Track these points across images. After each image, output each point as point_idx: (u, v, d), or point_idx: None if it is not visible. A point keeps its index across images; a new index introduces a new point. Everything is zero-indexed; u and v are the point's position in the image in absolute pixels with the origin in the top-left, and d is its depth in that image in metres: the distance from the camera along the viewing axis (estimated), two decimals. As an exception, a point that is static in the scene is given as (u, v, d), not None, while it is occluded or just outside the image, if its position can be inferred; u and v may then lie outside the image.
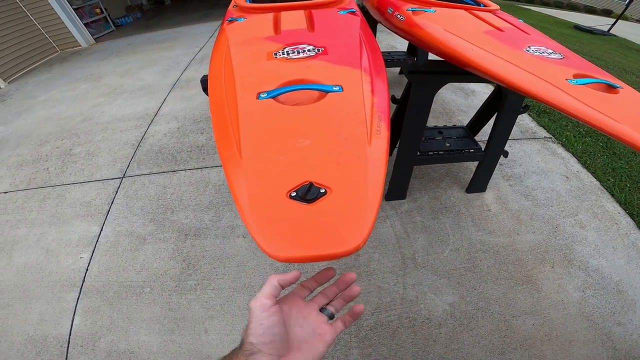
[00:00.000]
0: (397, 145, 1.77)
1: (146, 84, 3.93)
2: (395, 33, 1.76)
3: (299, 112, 0.73)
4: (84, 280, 1.73)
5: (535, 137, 2.67)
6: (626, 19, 12.60)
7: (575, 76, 0.92)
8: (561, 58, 1.03)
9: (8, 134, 3.18)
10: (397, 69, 3.63)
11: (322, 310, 0.53)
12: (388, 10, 1.71)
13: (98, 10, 6.51)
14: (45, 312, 1.61)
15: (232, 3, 1.59)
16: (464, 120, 2.79)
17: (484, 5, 1.62)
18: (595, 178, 2.25)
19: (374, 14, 2.17)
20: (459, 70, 1.22)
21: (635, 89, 0.91)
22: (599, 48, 6.53)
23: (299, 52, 0.97)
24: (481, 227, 1.88)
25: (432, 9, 1.47)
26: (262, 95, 0.78)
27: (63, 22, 5.58)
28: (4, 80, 4.61)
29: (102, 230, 1.99)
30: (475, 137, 2.06)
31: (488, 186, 2.11)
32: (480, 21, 1.34)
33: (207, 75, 1.12)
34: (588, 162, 2.38)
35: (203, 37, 5.59)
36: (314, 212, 0.50)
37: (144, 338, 1.48)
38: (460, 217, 1.94)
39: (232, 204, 2.06)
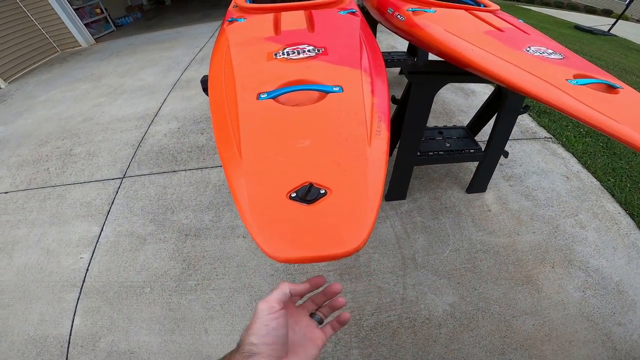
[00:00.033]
0: (397, 146, 1.76)
1: (146, 84, 3.93)
2: (396, 33, 1.76)
3: (299, 112, 0.73)
4: (84, 281, 1.73)
5: (535, 137, 2.67)
6: (626, 19, 12.59)
7: (576, 76, 0.92)
8: (561, 58, 1.03)
9: (8, 134, 3.18)
10: (398, 69, 3.63)
11: (311, 315, 0.54)
12: (388, 11, 1.71)
13: (98, 11, 6.51)
14: (46, 312, 1.61)
15: (232, 3, 1.59)
16: (464, 120, 2.79)
17: (484, 6, 1.62)
18: (596, 178, 2.24)
19: (374, 14, 2.17)
20: (459, 71, 1.22)
21: (635, 89, 0.91)
22: (599, 48, 6.52)
23: (299, 53, 0.97)
24: (481, 228, 1.88)
25: (432, 9, 1.47)
26: (262, 96, 0.78)
27: (63, 22, 5.59)
28: (4, 80, 4.61)
29: (102, 230, 1.99)
30: (476, 138, 2.05)
31: (488, 186, 2.11)
32: (481, 21, 1.34)
33: (207, 75, 1.12)
34: (588, 162, 2.38)
35: (203, 37, 5.59)
36: (314, 212, 0.50)
37: (144, 338, 1.48)
38: (460, 217, 1.94)
39: (232, 204, 2.06)
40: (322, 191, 0.53)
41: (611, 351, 1.39)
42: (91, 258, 1.84)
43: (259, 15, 1.38)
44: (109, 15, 6.83)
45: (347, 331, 1.46)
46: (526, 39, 1.19)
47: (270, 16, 1.31)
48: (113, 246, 1.89)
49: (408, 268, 1.68)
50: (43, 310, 1.62)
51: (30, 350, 1.48)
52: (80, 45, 5.97)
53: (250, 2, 1.57)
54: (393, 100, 1.77)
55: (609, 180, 2.22)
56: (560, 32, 7.64)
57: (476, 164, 2.03)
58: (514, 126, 1.81)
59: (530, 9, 12.75)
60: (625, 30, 9.58)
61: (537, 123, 2.85)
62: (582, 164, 2.38)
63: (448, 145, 1.94)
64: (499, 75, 0.96)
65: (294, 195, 0.53)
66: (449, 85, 3.26)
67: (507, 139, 1.84)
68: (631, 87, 0.91)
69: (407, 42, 2.92)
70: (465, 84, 3.35)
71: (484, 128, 2.10)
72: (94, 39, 6.23)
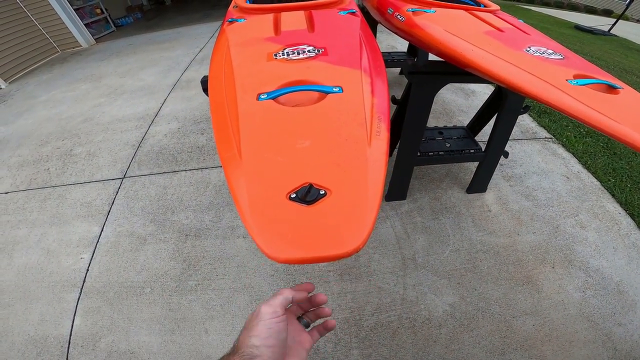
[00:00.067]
0: (398, 146, 1.76)
1: (146, 84, 3.93)
2: (396, 34, 1.76)
3: (299, 113, 0.73)
4: (84, 281, 1.73)
5: (535, 137, 2.67)
6: (627, 19, 12.58)
7: (576, 77, 0.92)
8: (561, 58, 1.03)
9: (9, 134, 3.19)
10: (398, 70, 3.63)
11: (299, 319, 0.55)
12: (388, 11, 1.71)
13: (98, 11, 6.52)
14: (46, 312, 1.61)
15: (232, 4, 1.59)
16: (465, 120, 2.79)
17: (484, 6, 1.62)
18: (596, 178, 2.24)
19: (374, 14, 2.17)
20: (459, 71, 1.22)
21: (635, 89, 0.91)
22: (599, 48, 6.52)
23: (299, 53, 0.97)
24: (481, 228, 1.88)
25: (432, 9, 1.47)
26: (262, 96, 0.78)
27: (64, 23, 5.59)
28: (5, 80, 4.62)
29: (102, 230, 1.99)
30: (476, 138, 2.05)
31: (488, 187, 2.11)
32: (481, 22, 1.34)
33: (207, 75, 1.12)
34: (589, 162, 2.38)
35: (203, 37, 5.59)
36: (313, 213, 0.50)
37: (144, 338, 1.48)
38: (460, 217, 1.94)
39: (233, 205, 2.06)
40: (322, 192, 0.53)
41: (611, 351, 1.39)
42: (91, 258, 1.84)
43: (258, 15, 1.38)
44: (109, 15, 6.83)
45: (347, 331, 1.46)
46: (526, 39, 1.19)
47: (270, 16, 1.31)
48: (113, 246, 1.89)
49: (408, 268, 1.68)
50: (43, 310, 1.62)
51: (31, 350, 1.48)
52: (81, 46, 5.98)
53: (250, 3, 1.57)
54: (393, 100, 1.77)
55: (610, 180, 2.22)
56: (561, 32, 7.64)
57: (476, 164, 2.03)
58: (514, 126, 1.81)
59: (530, 9, 12.74)
60: (625, 30, 9.58)
61: (538, 123, 2.85)
62: (582, 164, 2.38)
63: (448, 145, 1.94)
64: (499, 76, 0.96)
65: (293, 196, 0.53)
66: (449, 86, 3.26)
67: (507, 139, 1.84)
68: (631, 87, 0.91)
69: (407, 42, 2.92)
70: (466, 84, 3.35)
71: (484, 128, 2.10)
72: (94, 39, 6.24)
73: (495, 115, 1.80)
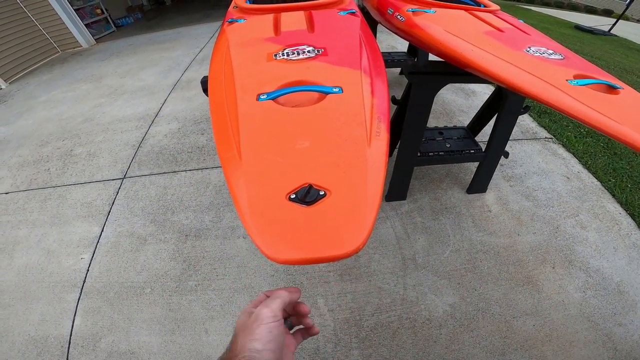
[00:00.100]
0: (398, 146, 1.76)
1: (147, 84, 3.93)
2: (396, 34, 1.76)
3: (299, 113, 0.73)
4: (84, 281, 1.73)
5: (536, 137, 2.66)
6: (627, 19, 12.57)
7: (576, 77, 0.92)
8: (561, 59, 1.03)
9: (9, 134, 3.19)
10: (398, 70, 3.63)
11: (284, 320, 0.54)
12: (388, 11, 1.71)
13: (99, 11, 6.52)
14: (46, 312, 1.62)
15: (232, 4, 1.59)
16: (465, 120, 2.78)
17: (484, 6, 1.62)
18: (596, 178, 2.24)
19: (374, 14, 2.17)
20: (459, 71, 1.22)
21: (636, 89, 0.91)
22: (599, 48, 6.52)
23: (298, 54, 0.97)
24: (482, 228, 1.88)
25: (432, 9, 1.47)
26: (262, 97, 0.78)
27: (64, 23, 5.60)
28: (5, 80, 4.62)
29: (102, 231, 1.99)
30: (476, 138, 2.05)
31: (489, 187, 2.11)
32: (481, 22, 1.34)
33: (207, 76, 1.12)
34: (589, 162, 2.38)
35: (204, 37, 5.60)
36: (313, 214, 0.50)
37: (144, 338, 1.48)
38: (460, 217, 1.94)
39: (233, 205, 2.06)
40: (322, 192, 0.53)
41: (612, 352, 1.39)
42: (92, 258, 1.84)
43: (258, 15, 1.38)
44: (109, 15, 6.84)
45: (347, 332, 1.46)
46: (526, 39, 1.19)
47: (270, 17, 1.31)
48: (113, 247, 1.89)
49: (408, 269, 1.68)
50: (44, 310, 1.62)
51: (31, 350, 1.48)
52: (81, 46, 5.98)
53: (250, 3, 1.57)
54: (393, 100, 1.77)
55: (610, 180, 2.22)
56: (561, 32, 7.64)
57: (476, 164, 2.03)
58: (515, 126, 1.80)
59: (530, 9, 12.74)
60: (625, 30, 9.57)
61: (538, 123, 2.84)
62: (582, 164, 2.37)
63: (448, 145, 1.94)
64: (499, 76, 0.96)
65: (293, 196, 0.53)
66: (449, 86, 3.25)
67: (507, 140, 1.84)
68: (631, 87, 0.91)
69: (407, 42, 2.92)
70: (466, 84, 3.35)
71: (484, 128, 2.10)
72: (95, 40, 6.24)
73: (496, 115, 1.80)
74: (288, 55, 0.96)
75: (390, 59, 3.25)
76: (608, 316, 1.50)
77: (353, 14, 1.35)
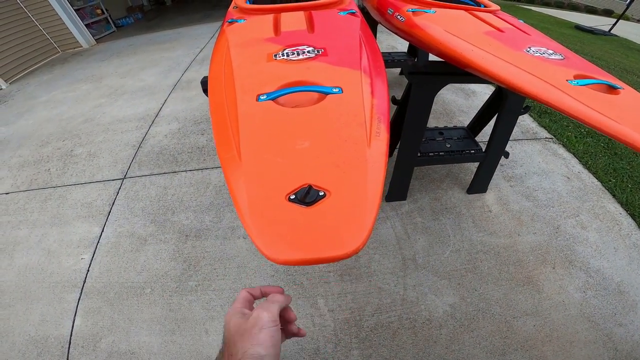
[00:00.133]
0: (398, 146, 1.76)
1: (147, 84, 3.94)
2: (396, 34, 1.76)
3: (299, 114, 0.73)
4: (85, 281, 1.73)
5: (536, 137, 2.66)
6: (627, 19, 12.57)
7: (576, 77, 0.92)
8: (562, 59, 1.03)
9: (10, 134, 3.19)
10: (398, 70, 3.63)
11: None
12: (388, 11, 1.71)
13: (99, 11, 6.53)
14: (47, 312, 1.62)
15: (232, 4, 1.59)
16: (465, 120, 2.78)
17: (484, 6, 1.62)
18: (597, 179, 2.24)
19: (374, 14, 2.17)
20: (459, 71, 1.22)
21: (636, 89, 0.90)
22: (600, 48, 6.51)
23: (298, 54, 0.97)
24: (482, 228, 1.88)
25: (432, 9, 1.47)
26: (262, 97, 0.78)
27: (64, 23, 5.61)
28: (5, 81, 4.63)
29: (103, 231, 1.99)
30: (476, 138, 2.05)
31: (489, 187, 2.11)
32: (481, 22, 1.34)
33: (207, 76, 1.12)
34: (589, 162, 2.38)
35: (204, 38, 5.60)
36: (312, 214, 0.50)
37: (144, 339, 1.48)
38: (461, 218, 1.94)
39: (233, 205, 2.05)
40: (321, 193, 0.53)
41: (612, 352, 1.39)
42: (92, 259, 1.84)
43: (258, 16, 1.38)
44: (109, 15, 6.85)
45: (347, 332, 1.46)
46: (526, 39, 1.19)
47: (270, 17, 1.31)
48: (114, 247, 1.89)
49: (408, 269, 1.68)
50: (44, 310, 1.63)
51: (31, 350, 1.48)
52: (81, 46, 5.99)
53: (250, 3, 1.57)
54: (393, 101, 1.77)
55: (610, 180, 2.21)
56: (561, 32, 7.63)
57: (477, 164, 2.03)
58: (515, 127, 1.80)
59: (530, 9, 12.74)
60: (626, 30, 9.57)
61: (538, 123, 2.84)
62: (583, 164, 2.37)
63: (448, 145, 1.94)
64: (499, 76, 0.96)
65: (293, 197, 0.53)
66: (449, 86, 3.25)
67: (507, 140, 1.84)
68: (632, 87, 0.91)
69: (408, 42, 2.92)
70: (466, 84, 3.34)
71: (484, 128, 2.10)
72: (95, 40, 6.25)
73: (496, 115, 1.79)
74: (288, 55, 0.96)
75: (390, 59, 3.25)
76: (608, 316, 1.49)
77: (353, 14, 1.35)
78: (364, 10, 2.44)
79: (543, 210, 1.99)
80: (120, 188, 2.30)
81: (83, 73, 4.63)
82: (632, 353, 1.38)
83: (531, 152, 2.48)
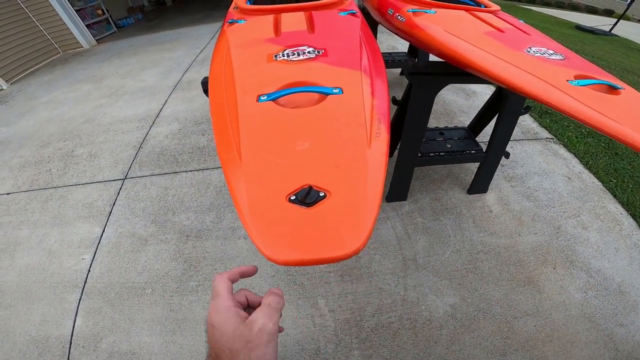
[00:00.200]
0: (398, 147, 1.76)
1: (148, 85, 3.94)
2: (396, 34, 1.76)
3: (299, 114, 0.73)
4: (85, 281, 1.73)
5: (536, 137, 2.66)
6: (628, 19, 12.55)
7: (577, 77, 0.92)
8: (562, 59, 1.03)
9: (10, 135, 3.20)
10: (398, 70, 3.62)
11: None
12: (388, 12, 1.71)
13: (100, 12, 6.54)
14: (48, 312, 1.62)
15: (233, 5, 1.59)
16: (465, 121, 2.78)
17: (485, 6, 1.62)
18: (598, 179, 2.24)
19: (374, 15, 2.17)
20: (459, 72, 1.22)
21: (637, 89, 0.90)
22: (600, 48, 6.50)
23: (299, 54, 0.97)
24: (482, 228, 1.88)
25: (433, 10, 1.47)
26: (262, 98, 0.78)
27: (65, 24, 5.62)
28: (6, 81, 4.63)
29: (104, 231, 2.00)
30: (477, 138, 2.05)
31: (489, 187, 2.11)
32: (481, 22, 1.34)
33: (207, 77, 1.12)
34: (590, 162, 2.37)
35: (204, 38, 5.60)
36: (313, 215, 0.50)
37: (145, 339, 1.49)
38: (461, 218, 1.94)
39: (233, 206, 2.06)
40: (322, 194, 0.53)
41: (613, 352, 1.38)
42: (93, 259, 1.84)
43: (259, 16, 1.38)
44: (110, 16, 6.86)
45: (347, 332, 1.46)
46: (527, 39, 1.19)
47: (270, 17, 1.31)
48: (114, 247, 1.89)
49: (409, 269, 1.68)
50: (45, 310, 1.63)
51: (32, 350, 1.48)
52: (82, 47, 6.00)
53: (250, 4, 1.57)
54: (394, 101, 1.77)
55: (611, 180, 2.21)
56: (562, 32, 7.63)
57: (477, 164, 2.03)
58: (515, 127, 1.80)
59: (531, 9, 12.72)
60: (626, 30, 9.55)
61: (539, 124, 2.84)
62: (583, 164, 2.37)
63: (449, 146, 1.94)
64: (500, 76, 0.96)
65: (293, 198, 0.53)
66: (450, 86, 3.25)
67: (508, 140, 1.83)
68: (633, 87, 0.91)
69: (408, 43, 2.92)
70: (466, 84, 3.34)
71: (485, 129, 2.10)
72: (96, 40, 6.26)
73: (496, 115, 1.79)
74: (288, 56, 0.96)
75: (390, 60, 3.25)
76: (609, 317, 1.49)
77: (353, 14, 1.35)
78: (364, 11, 2.44)
79: (544, 210, 1.99)
80: (121, 188, 2.31)
81: (84, 73, 4.63)
82: (633, 353, 1.38)
83: (532, 152, 2.48)
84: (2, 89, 4.53)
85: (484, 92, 3.28)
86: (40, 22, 5.31)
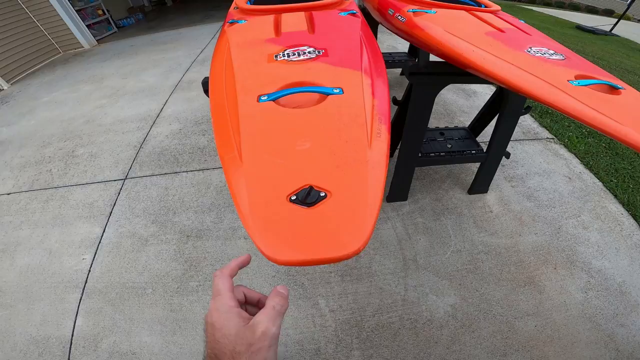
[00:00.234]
0: (399, 147, 1.76)
1: (148, 85, 3.94)
2: (396, 34, 1.76)
3: (299, 114, 0.73)
4: (86, 282, 1.73)
5: (537, 138, 2.66)
6: (628, 18, 12.53)
7: (577, 77, 0.92)
8: (563, 59, 1.03)
9: (11, 135, 3.20)
10: (399, 70, 3.62)
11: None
12: (389, 12, 1.71)
13: (100, 12, 6.55)
14: (48, 313, 1.62)
15: (233, 5, 1.59)
16: (466, 121, 2.78)
17: (485, 6, 1.62)
18: (598, 179, 2.23)
19: (374, 15, 2.17)
20: (460, 72, 1.22)
21: (637, 89, 0.90)
22: (601, 48, 6.50)
23: (299, 54, 0.97)
24: (483, 229, 1.87)
25: (433, 10, 1.47)
26: (263, 98, 0.78)
27: (65, 24, 5.61)
28: (7, 81, 4.64)
29: (104, 231, 2.00)
30: (477, 138, 2.05)
31: (490, 187, 2.10)
32: (481, 22, 1.34)
33: (208, 77, 1.12)
34: (591, 162, 2.37)
35: (205, 38, 5.60)
36: (313, 215, 0.50)
37: (145, 339, 1.49)
38: (462, 218, 1.94)
39: (234, 206, 2.06)
40: (322, 194, 0.53)
41: (614, 352, 1.38)
42: (93, 259, 1.84)
43: (259, 16, 1.38)
44: (110, 16, 6.86)
45: (348, 332, 1.46)
46: (527, 39, 1.19)
47: (270, 18, 1.31)
48: (115, 247, 1.89)
49: (409, 269, 1.68)
50: (45, 311, 1.63)
51: (33, 350, 1.48)
52: (83, 47, 6.00)
53: (251, 4, 1.57)
54: (394, 101, 1.77)
55: (612, 181, 2.21)
56: (562, 32, 7.62)
57: (478, 164, 2.03)
58: (516, 127, 1.80)
59: (531, 9, 12.71)
60: (627, 30, 9.54)
61: (539, 124, 2.84)
62: (584, 164, 2.37)
63: (449, 146, 1.94)
64: (500, 77, 0.96)
65: (294, 198, 0.53)
66: (450, 86, 3.25)
67: (508, 140, 1.83)
68: (633, 87, 0.91)
69: (408, 43, 2.92)
70: (467, 84, 3.34)
71: (485, 129, 2.10)
72: (96, 40, 6.26)
73: (497, 116, 1.79)
74: (289, 56, 0.96)
75: (391, 60, 3.25)
76: (610, 317, 1.49)
77: (354, 14, 1.35)
78: (364, 11, 2.44)
79: (544, 210, 1.99)
80: (121, 189, 2.31)
81: (84, 74, 4.64)
82: (634, 354, 1.38)
83: (532, 152, 2.48)
84: (3, 89, 4.53)
85: (484, 92, 3.28)
86: (41, 22, 5.31)
